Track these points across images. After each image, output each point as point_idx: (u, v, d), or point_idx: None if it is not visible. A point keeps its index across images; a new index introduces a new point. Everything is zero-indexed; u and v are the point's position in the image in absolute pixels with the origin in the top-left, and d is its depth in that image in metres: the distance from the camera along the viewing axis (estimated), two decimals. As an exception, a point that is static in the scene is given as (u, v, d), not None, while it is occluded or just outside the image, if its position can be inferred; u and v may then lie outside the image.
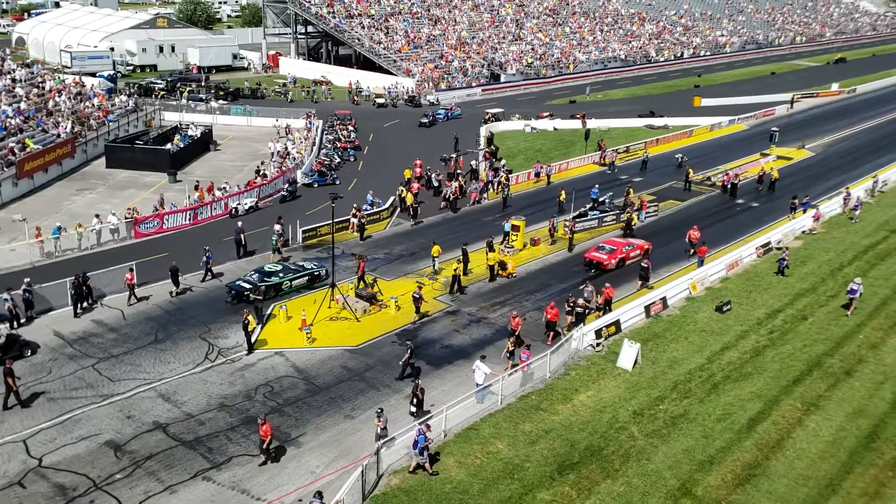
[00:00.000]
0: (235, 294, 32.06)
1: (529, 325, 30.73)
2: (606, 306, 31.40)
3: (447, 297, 33.61)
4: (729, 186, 50.62)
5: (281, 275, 33.38)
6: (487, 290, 34.62)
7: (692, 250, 37.67)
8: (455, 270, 34.12)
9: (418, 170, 52.05)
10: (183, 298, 32.58)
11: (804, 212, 44.88)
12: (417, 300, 31.39)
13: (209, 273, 34.09)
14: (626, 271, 37.43)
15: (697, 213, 47.13)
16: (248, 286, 32.16)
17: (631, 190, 47.09)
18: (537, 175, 52.42)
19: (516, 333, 28.59)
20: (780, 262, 36.80)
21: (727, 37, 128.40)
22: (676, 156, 58.88)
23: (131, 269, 32.09)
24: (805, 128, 72.36)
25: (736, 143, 66.69)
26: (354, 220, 40.79)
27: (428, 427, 21.89)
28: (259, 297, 30.65)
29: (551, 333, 29.36)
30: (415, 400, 24.08)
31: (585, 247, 40.68)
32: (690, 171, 52.07)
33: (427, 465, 21.90)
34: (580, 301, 30.75)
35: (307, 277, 34.09)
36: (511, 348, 27.62)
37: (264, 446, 22.18)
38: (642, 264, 35.66)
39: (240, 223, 38.46)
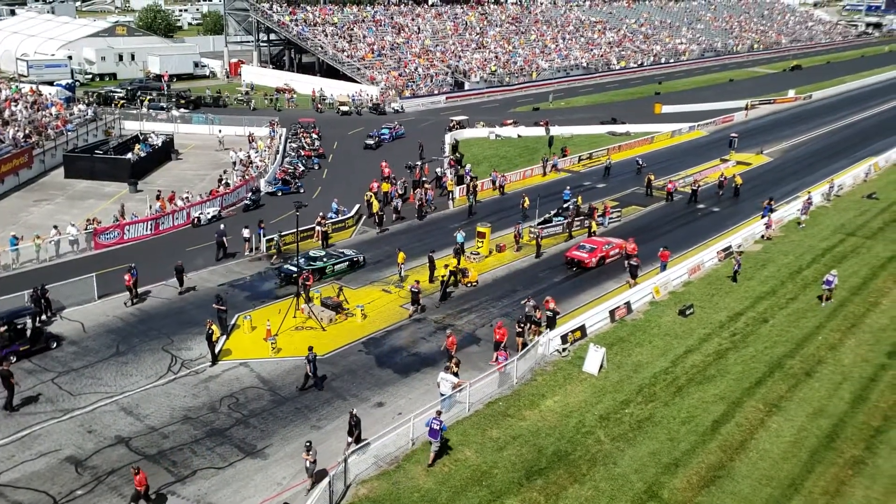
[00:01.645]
0: (284, 277, 34.76)
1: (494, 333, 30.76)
2: (549, 321, 30.76)
3: (429, 304, 33.57)
4: (688, 193, 51.27)
5: (325, 259, 36.47)
6: (455, 297, 34.65)
7: (627, 262, 37.02)
8: (442, 277, 34.10)
9: (387, 170, 52.03)
10: (144, 310, 32.08)
11: (762, 216, 45.66)
12: (416, 294, 32.31)
13: (133, 292, 32.36)
14: (604, 270, 37.99)
15: (660, 218, 47.74)
16: (295, 269, 34.49)
17: (580, 198, 47.42)
18: (493, 183, 52.38)
19: (451, 355, 27.48)
20: (735, 266, 37.34)
21: (686, 45, 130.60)
22: (636, 160, 59.64)
23: (129, 270, 32.21)
24: (763, 133, 73.76)
25: (696, 149, 67.73)
26: (319, 229, 40.57)
27: (439, 413, 22.75)
28: (223, 307, 30.29)
29: (499, 354, 28.30)
30: (352, 429, 22.55)
31: (552, 252, 40.98)
32: (651, 176, 52.73)
33: (431, 453, 22.38)
34: (536, 313, 30.83)
35: (347, 263, 36.89)
36: (455, 369, 26.08)
37: (140, 499, 20.23)
38: (631, 262, 36.23)
39: (222, 226, 38.80)
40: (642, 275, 37.00)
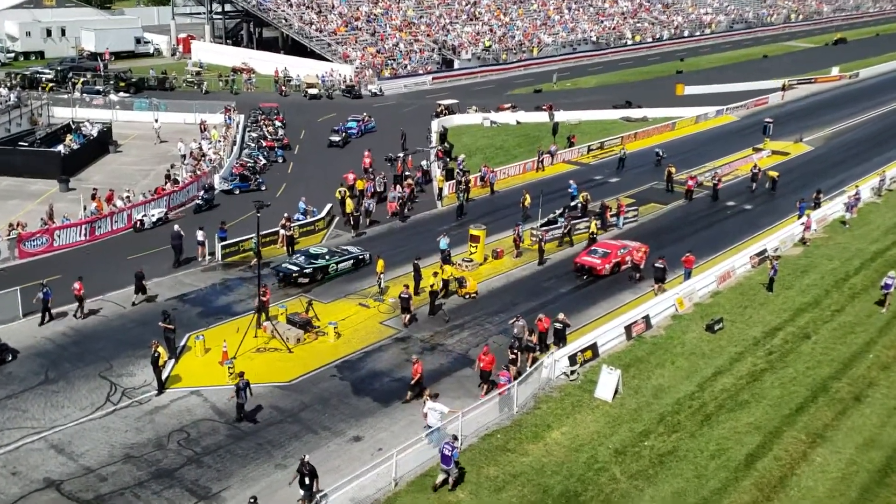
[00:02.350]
0: (283, 277, 36.35)
1: (493, 351, 30.75)
2: (540, 343, 30.82)
3: (400, 319, 33.58)
4: (710, 189, 51.56)
5: (327, 257, 37.79)
6: (445, 311, 34.64)
7: (637, 275, 37.90)
8: (432, 286, 34.24)
9: (368, 160, 52.17)
10: (79, 330, 31.93)
11: (799, 216, 45.89)
12: (406, 300, 32.76)
13: (47, 314, 32.31)
14: (619, 279, 38.19)
15: (683, 218, 47.98)
16: (295, 269, 36.40)
17: (585, 195, 47.57)
18: (482, 179, 52.23)
19: (418, 385, 27.45)
20: (771, 273, 37.52)
21: (712, 15, 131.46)
22: (656, 151, 59.97)
23: (41, 289, 32.11)
24: (802, 118, 74.25)
25: (725, 137, 68.13)
26: (284, 232, 40.53)
27: (455, 438, 23.48)
28: (170, 326, 30.19)
29: (485, 386, 28.30)
30: (303, 480, 21.91)
31: (558, 258, 41.05)
32: (673, 169, 53.01)
33: (450, 479, 23.11)
34: (556, 319, 31.06)
35: (352, 261, 38.31)
36: (427, 399, 25.63)
37: None
38: (657, 264, 36.50)
39: (176, 227, 38.91)
40: (661, 284, 37.14)
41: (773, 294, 37.16)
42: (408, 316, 33.37)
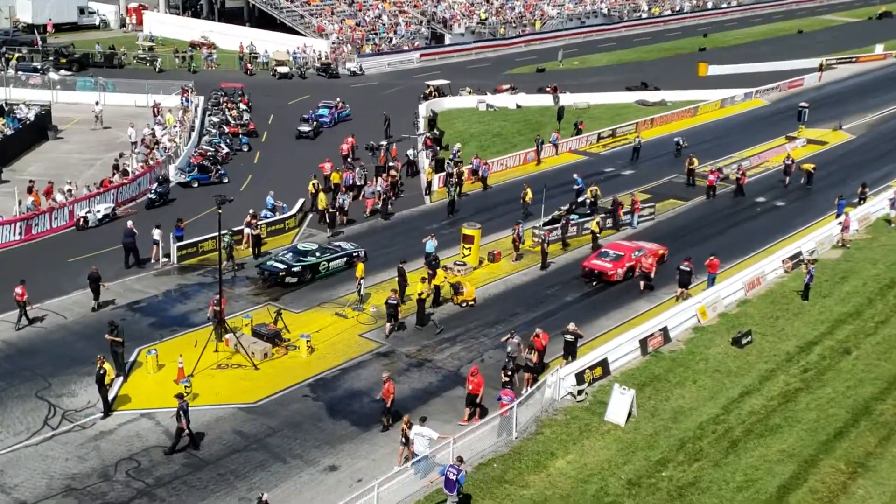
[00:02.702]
0: (269, 275, 37.12)
1: (487, 369, 30.85)
2: (568, 347, 31.07)
3: (380, 330, 33.60)
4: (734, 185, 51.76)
5: (318, 254, 38.55)
6: (436, 322, 34.68)
7: (645, 285, 37.93)
8: (421, 294, 34.26)
9: (346, 146, 52.22)
10: (12, 343, 31.78)
11: (837, 215, 46.06)
12: (394, 306, 33.09)
13: None
14: (634, 284, 38.25)
15: (706, 216, 48.13)
16: (282, 267, 37.10)
17: (597, 188, 47.68)
18: (475, 172, 52.14)
19: (387, 410, 27.44)
20: (806, 279, 37.67)
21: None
22: (675, 140, 60.16)
23: (23, 282, 32.33)
24: (842, 103, 74.68)
25: (754, 124, 68.36)
26: (249, 231, 40.48)
27: (461, 460, 23.60)
28: (118, 339, 30.09)
29: (476, 410, 27.97)
30: None
31: (563, 261, 41.09)
32: (695, 160, 53.16)
33: None
34: (569, 328, 31.20)
35: (346, 259, 39.08)
36: (405, 428, 25.31)
37: None
38: (682, 267, 36.69)
39: (129, 223, 38.82)
40: (682, 291, 37.24)
41: (809, 303, 37.30)
42: (389, 325, 33.41)
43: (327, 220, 43.90)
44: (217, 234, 33.48)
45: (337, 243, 41.01)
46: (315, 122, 62.19)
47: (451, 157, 52.90)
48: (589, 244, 42.63)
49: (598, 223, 43.10)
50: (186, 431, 25.94)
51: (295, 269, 37.40)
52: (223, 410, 28.12)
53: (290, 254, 38.33)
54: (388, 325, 33.46)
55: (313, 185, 46.25)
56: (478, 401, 27.89)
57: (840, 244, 43.74)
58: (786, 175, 53.53)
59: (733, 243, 43.45)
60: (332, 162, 49.88)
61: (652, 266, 38.07)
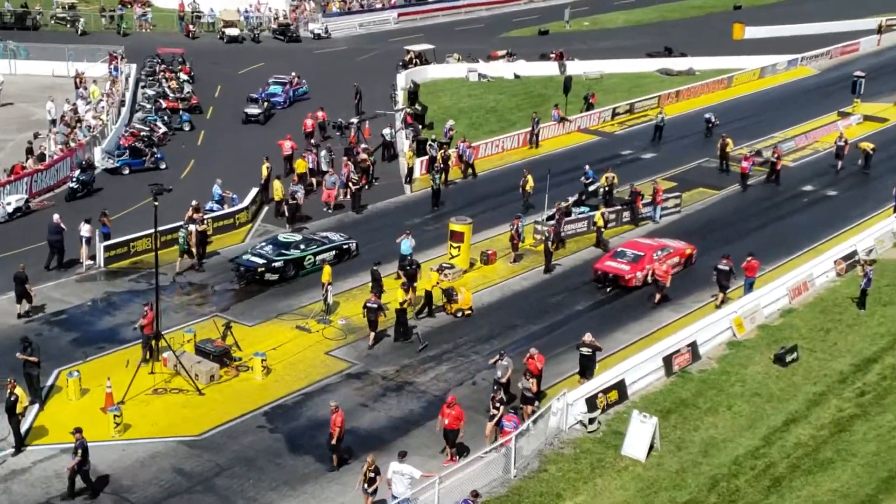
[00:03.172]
0: (245, 271, 38.08)
1: (478, 393, 30.75)
2: (585, 363, 30.95)
3: (354, 345, 33.49)
4: (769, 172, 51.74)
5: (302, 247, 39.51)
6: (420, 336, 34.60)
7: (658, 296, 37.51)
8: (402, 304, 34.15)
9: (311, 121, 52.81)
10: None
11: (895, 209, 46.10)
12: (375, 311, 33.41)
13: None
14: (650, 293, 38.21)
15: (742, 209, 48.21)
16: (260, 262, 38.02)
17: (614, 175, 47.57)
18: (459, 157, 52.04)
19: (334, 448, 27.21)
20: (863, 284, 37.61)
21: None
22: (706, 117, 60.24)
23: None
24: (905, 72, 75.00)
25: (800, 98, 68.54)
26: (193, 228, 40.29)
27: (476, 495, 23.96)
28: (32, 359, 29.82)
29: (450, 450, 27.56)
30: None
31: (571, 263, 41.01)
32: (729, 141, 53.21)
33: None
34: (587, 340, 31.17)
35: (334, 251, 40.27)
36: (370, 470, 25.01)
37: None
38: (720, 266, 36.89)
39: (56, 217, 38.68)
40: (712, 299, 37.37)
41: (867, 312, 37.32)
42: (373, 335, 33.52)
43: (285, 214, 43.67)
44: (153, 230, 33.27)
45: (324, 234, 41.86)
46: (265, 102, 61.32)
47: (433, 137, 52.66)
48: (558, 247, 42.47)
49: (602, 215, 42.96)
50: (77, 473, 25.50)
51: (276, 263, 38.07)
52: (161, 444, 27.90)
53: (270, 246, 39.05)
54: (372, 334, 33.55)
55: (267, 168, 46.09)
56: (457, 438, 27.50)
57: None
58: (838, 158, 53.62)
59: (775, 241, 43.48)
60: (293, 141, 49.69)
61: (668, 273, 37.63)
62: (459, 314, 36.35)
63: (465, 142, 52.86)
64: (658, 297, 37.67)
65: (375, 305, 33.53)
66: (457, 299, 36.44)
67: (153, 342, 31.65)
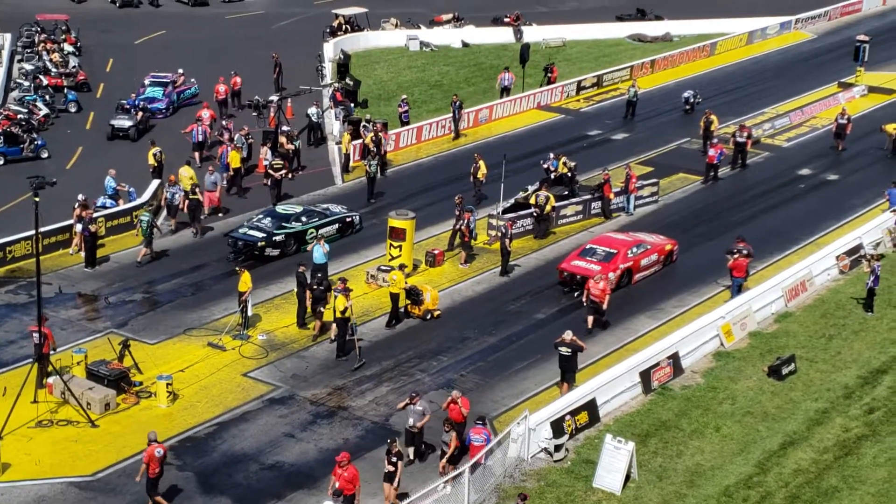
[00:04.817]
0: (244, 246, 40.46)
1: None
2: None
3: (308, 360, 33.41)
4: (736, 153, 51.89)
5: (304, 219, 42.19)
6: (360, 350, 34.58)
7: (591, 319, 36.20)
8: (343, 312, 33.99)
9: (224, 89, 53.58)
10: None
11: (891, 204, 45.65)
12: (343, 326, 33.94)
13: None
14: (632, 293, 38.42)
15: (729, 198, 48.59)
16: (260, 236, 40.54)
17: (565, 160, 47.52)
18: (377, 146, 49.59)
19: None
20: (870, 283, 37.87)
21: None
22: (685, 95, 60.75)
23: None
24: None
25: (794, 66, 69.11)
26: (79, 229, 39.97)
27: (524, 497, 24.73)
28: None
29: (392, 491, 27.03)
30: None
31: (532, 264, 41.09)
32: (714, 118, 53.45)
33: None
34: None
35: (337, 224, 42.95)
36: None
37: None
38: (735, 249, 37.45)
39: None
40: (697, 303, 37.74)
41: (875, 316, 37.64)
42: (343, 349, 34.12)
43: (189, 211, 43.21)
44: (34, 232, 32.87)
45: (325, 206, 44.29)
46: (138, 110, 55.73)
47: (367, 117, 52.51)
48: (567, 238, 42.85)
49: (546, 197, 42.98)
50: None
51: (277, 237, 40.70)
52: (46, 487, 27.58)
53: (268, 219, 41.61)
54: (356, 344, 34.23)
55: (154, 154, 46.06)
56: (394, 479, 26.73)
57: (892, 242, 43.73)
58: (838, 138, 54.10)
59: (768, 234, 43.77)
60: (212, 109, 49.44)
61: (605, 293, 36.10)
62: (428, 316, 36.58)
63: (376, 124, 51.05)
64: (591, 321, 36.30)
65: (342, 291, 34.13)
66: (423, 299, 36.59)
67: (42, 364, 31.15)
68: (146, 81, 59.75)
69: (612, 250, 39.54)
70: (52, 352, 32.12)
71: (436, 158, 52.43)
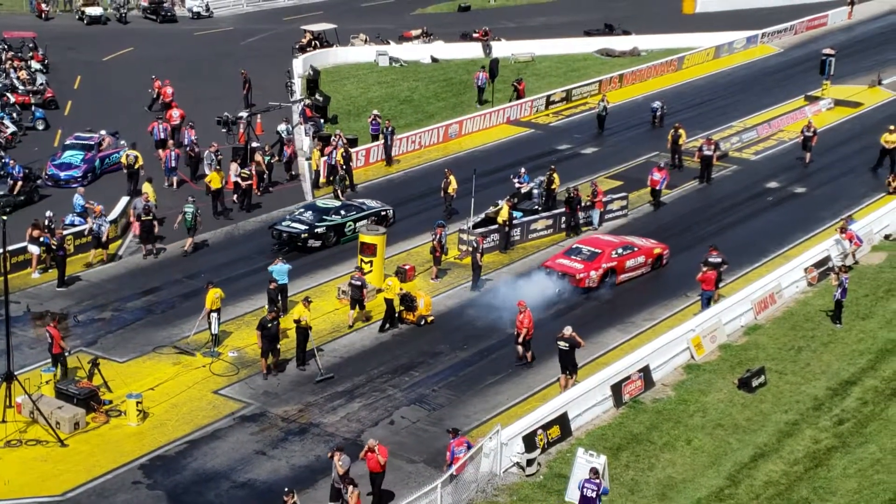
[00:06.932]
0: (288, 238, 42.78)
1: (398, 435, 30.62)
2: (564, 358, 31.51)
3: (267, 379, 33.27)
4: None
5: (343, 212, 44.56)
6: (333, 365, 34.62)
7: (520, 349, 35.38)
8: (299, 322, 33.93)
9: (166, 89, 53.27)
10: None
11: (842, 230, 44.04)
12: (358, 288, 35.89)
13: None
14: (611, 300, 38.60)
15: (699, 210, 48.80)
16: (303, 228, 42.86)
17: (554, 172, 47.66)
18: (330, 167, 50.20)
19: None
20: (837, 294, 37.92)
21: None
22: (654, 105, 60.99)
23: None
24: (881, 50, 76.22)
25: (761, 80, 69.43)
26: (34, 250, 39.75)
27: (595, 473, 25.45)
28: None
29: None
30: None
31: (503, 277, 41.07)
32: (682, 132, 53.56)
33: None
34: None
35: (374, 218, 44.79)
36: None
37: None
38: (711, 259, 38.00)
39: None
40: (668, 316, 37.79)
41: (843, 327, 37.77)
42: (354, 313, 35.69)
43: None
44: (1, 251, 32.64)
45: (360, 200, 46.82)
46: (17, 182, 45.38)
47: (337, 132, 52.37)
48: (538, 252, 42.96)
49: (502, 204, 43.26)
50: None
51: (318, 229, 43.02)
52: (13, 508, 27.48)
53: (310, 212, 44.06)
54: (352, 314, 36.40)
55: (127, 156, 46.53)
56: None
57: (851, 264, 42.58)
58: (805, 150, 54.25)
59: (737, 246, 43.63)
60: (181, 109, 49.47)
61: (529, 322, 34.66)
62: (422, 322, 36.85)
63: (337, 136, 51.23)
64: (519, 352, 35.07)
65: (359, 283, 35.30)
66: (417, 306, 36.71)
67: (10, 383, 30.91)
68: (68, 142, 52.27)
69: (596, 250, 40.11)
70: (67, 353, 33.05)
71: (406, 174, 52.32)
